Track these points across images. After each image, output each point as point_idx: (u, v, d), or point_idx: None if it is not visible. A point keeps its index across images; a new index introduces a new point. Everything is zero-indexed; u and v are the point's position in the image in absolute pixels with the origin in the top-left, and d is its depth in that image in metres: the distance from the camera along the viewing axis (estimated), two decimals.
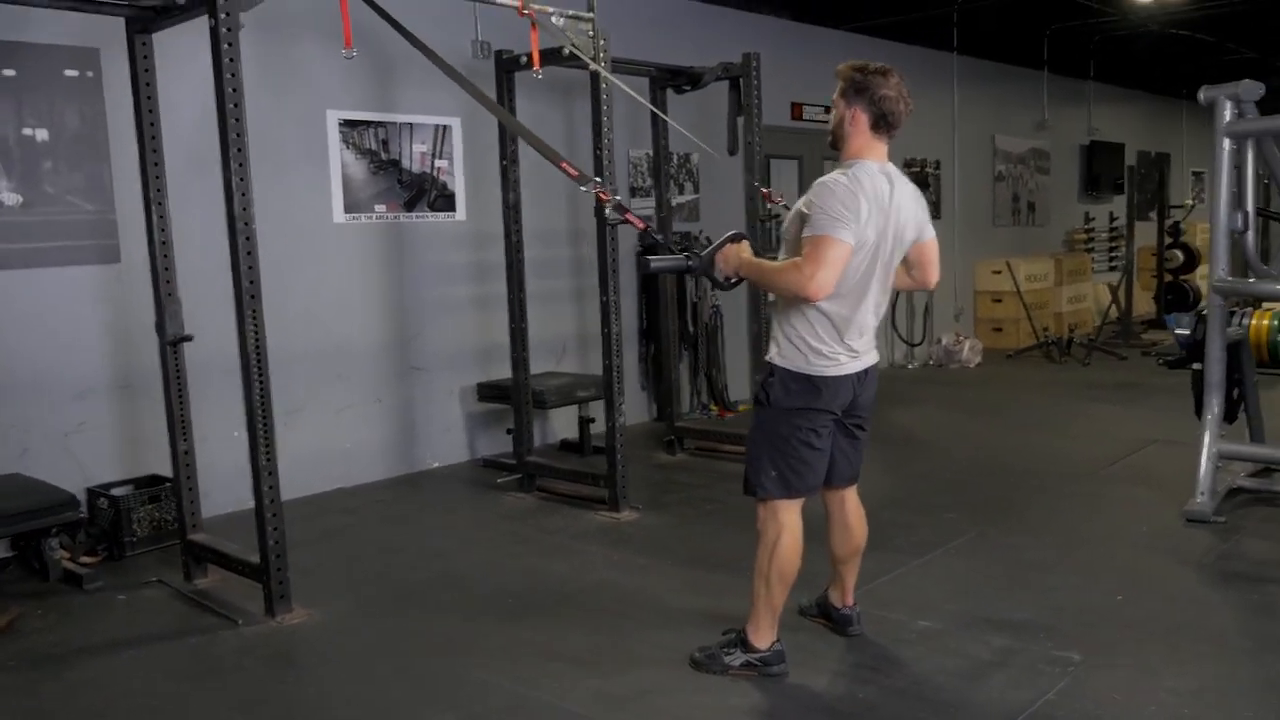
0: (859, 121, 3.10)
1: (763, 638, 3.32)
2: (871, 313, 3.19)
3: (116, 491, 4.87)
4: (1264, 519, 4.87)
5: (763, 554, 3.27)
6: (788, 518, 3.25)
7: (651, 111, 6.25)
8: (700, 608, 3.88)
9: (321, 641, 3.75)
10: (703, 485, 5.75)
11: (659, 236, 3.30)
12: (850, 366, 3.19)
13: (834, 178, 3.04)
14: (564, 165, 3.53)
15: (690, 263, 3.18)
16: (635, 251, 6.79)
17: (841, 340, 3.14)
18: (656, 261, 3.23)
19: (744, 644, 3.33)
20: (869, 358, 3.26)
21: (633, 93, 4.27)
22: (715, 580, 4.19)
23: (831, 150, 3.22)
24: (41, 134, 4.70)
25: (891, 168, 3.15)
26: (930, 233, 3.31)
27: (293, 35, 5.46)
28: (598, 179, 3.64)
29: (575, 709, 3.14)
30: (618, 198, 3.70)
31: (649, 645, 3.58)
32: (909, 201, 3.17)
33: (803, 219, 3.03)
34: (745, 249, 3.19)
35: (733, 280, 3.22)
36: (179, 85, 4.73)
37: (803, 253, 3.01)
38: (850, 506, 3.50)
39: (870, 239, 3.05)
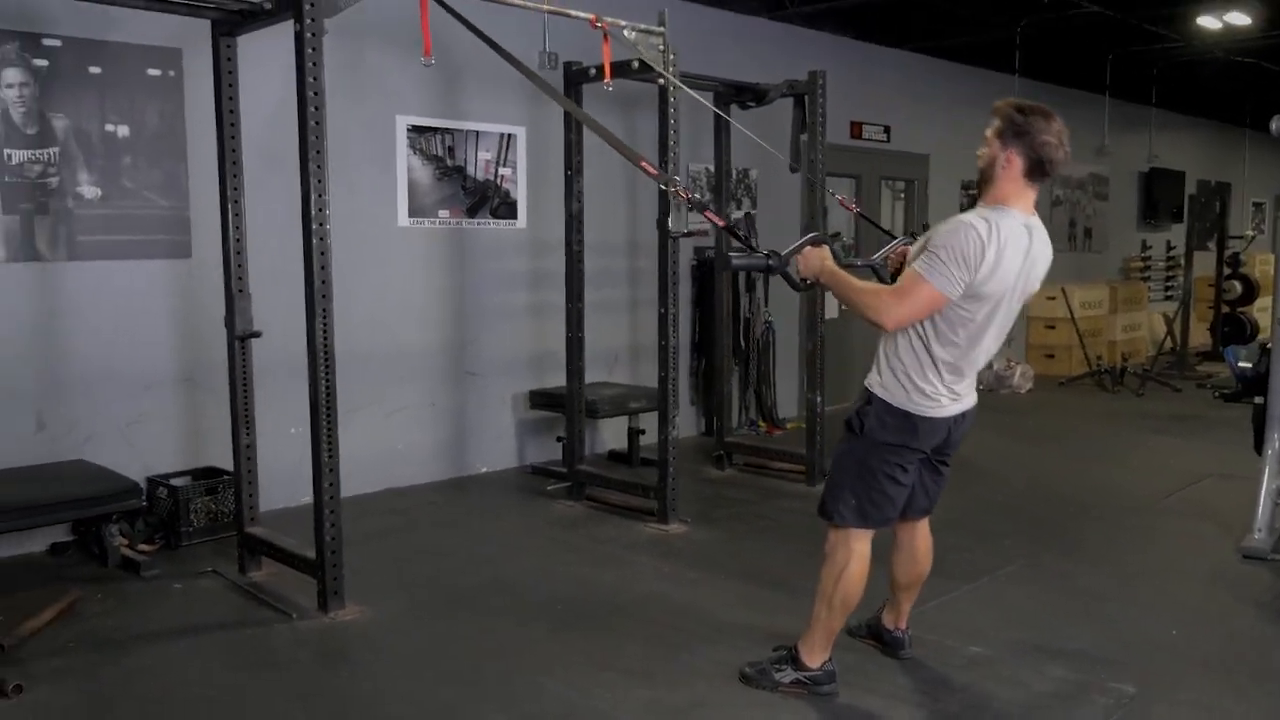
0: (1013, 166, 2.95)
1: (815, 657, 3.32)
2: (983, 358, 3.14)
3: (175, 482, 4.96)
4: None
5: (828, 577, 3.25)
6: (859, 545, 3.23)
7: (714, 125, 6.30)
8: (751, 623, 3.89)
9: (374, 639, 3.80)
10: (752, 501, 5.75)
11: (741, 233, 3.27)
12: (951, 409, 3.13)
13: (972, 221, 2.92)
14: (644, 164, 3.56)
15: (770, 261, 3.16)
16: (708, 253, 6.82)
17: (946, 383, 3.09)
18: (737, 258, 3.25)
19: (795, 661, 3.34)
20: (969, 400, 3.20)
21: (709, 104, 4.29)
22: (766, 596, 4.20)
23: (976, 187, 3.11)
24: (123, 130, 4.82)
25: (1035, 220, 3.03)
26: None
27: (366, 40, 5.56)
28: (677, 178, 3.65)
29: (627, 718, 3.15)
30: (696, 195, 3.73)
31: (700, 658, 3.59)
32: (1043, 255, 3.07)
33: (924, 249, 2.98)
34: (826, 255, 3.16)
35: (809, 282, 3.21)
36: (253, 86, 4.83)
37: (900, 283, 3.01)
38: (921, 537, 3.48)
39: (996, 291, 2.97)
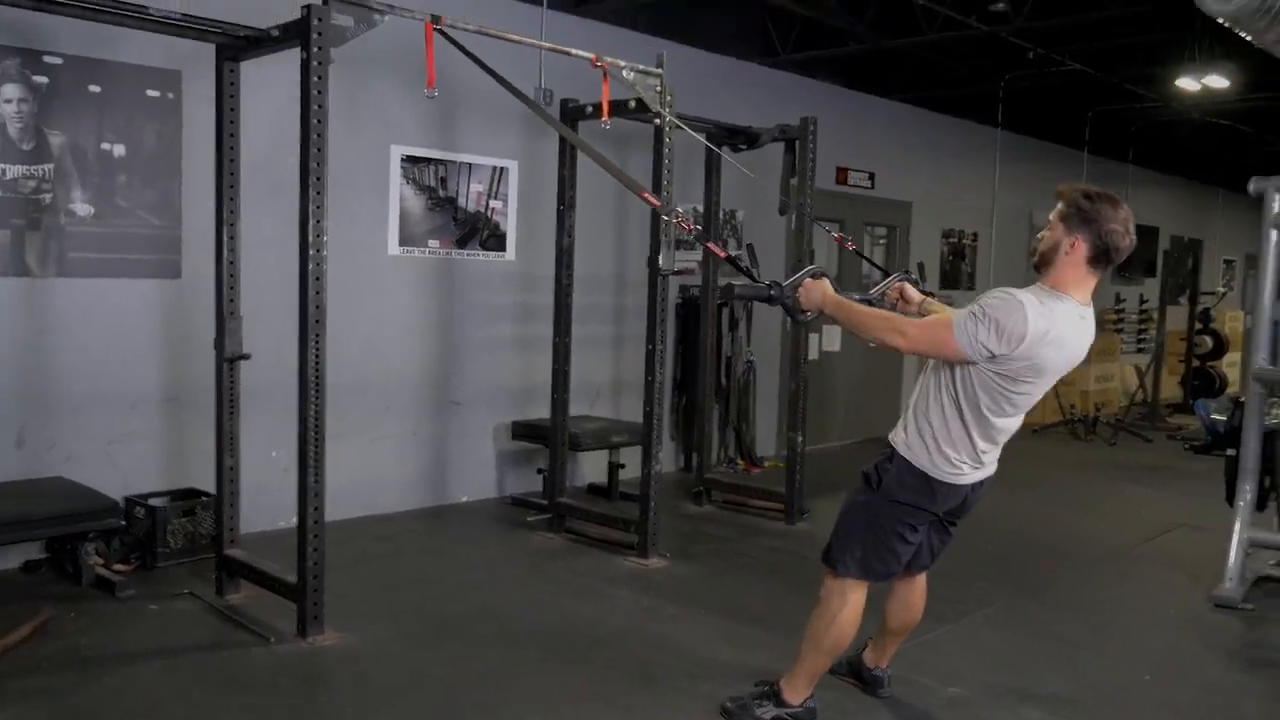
0: (1077, 251, 2.90)
1: (797, 695, 3.35)
2: (1010, 432, 3.15)
3: (154, 502, 4.94)
4: None
5: (820, 622, 3.28)
6: (854, 595, 3.25)
7: (705, 166, 6.39)
8: (731, 658, 3.91)
9: (355, 665, 3.79)
10: (731, 538, 5.78)
11: (744, 264, 3.31)
12: (971, 477, 3.14)
13: (1025, 302, 2.87)
14: (645, 195, 3.61)
15: (773, 292, 3.19)
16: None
17: (974, 451, 3.09)
18: (741, 287, 3.27)
19: (776, 697, 3.36)
20: (990, 469, 3.20)
21: (705, 142, 4.35)
22: (746, 632, 4.22)
23: (1035, 269, 3.03)
24: (119, 149, 4.84)
25: (1089, 310, 3.00)
26: None
27: (364, 70, 5.61)
28: (679, 209, 3.69)
29: None
30: (698, 227, 3.78)
31: (681, 692, 3.61)
32: (1088, 341, 3.04)
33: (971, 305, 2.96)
34: (828, 286, 3.19)
35: (810, 314, 3.24)
36: (248, 110, 4.86)
37: (930, 319, 3.07)
38: (918, 587, 3.52)
39: (1045, 375, 2.97)
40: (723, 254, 3.42)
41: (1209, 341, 11.78)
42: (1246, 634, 4.49)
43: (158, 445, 5.15)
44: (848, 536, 3.24)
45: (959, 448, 3.07)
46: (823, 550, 3.32)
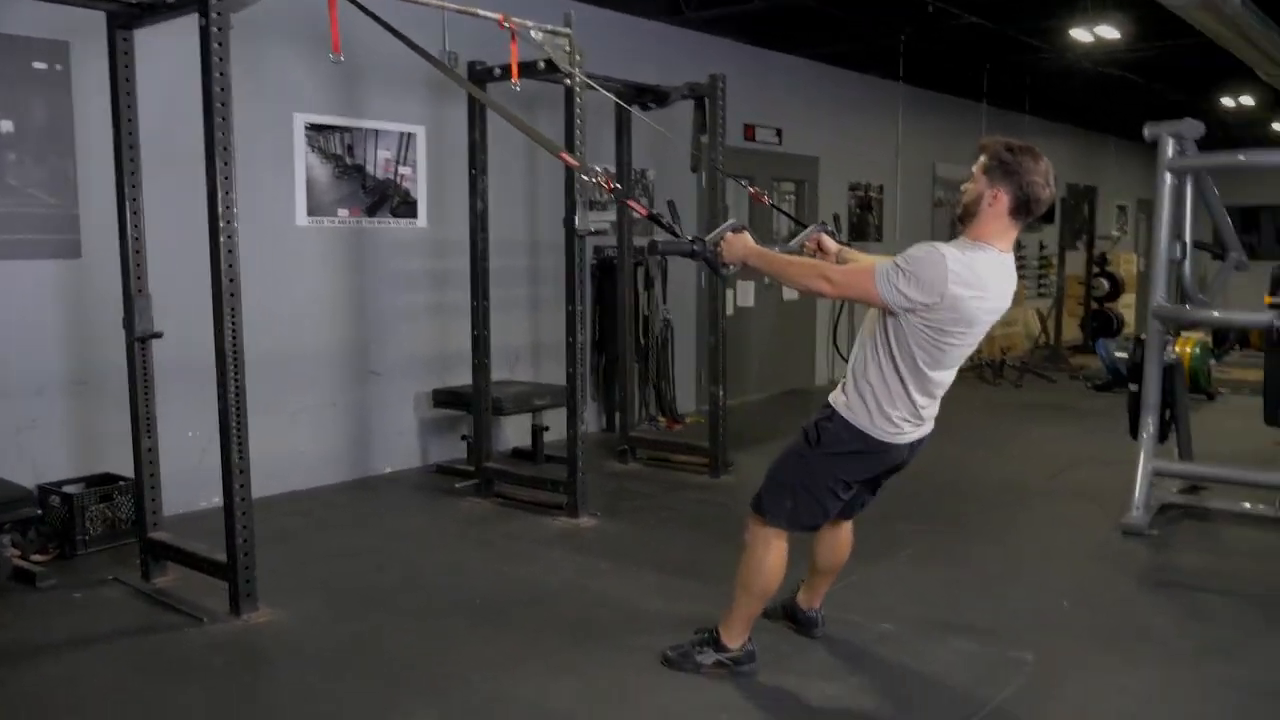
0: (1000, 203, 2.96)
1: (735, 639, 3.42)
2: (946, 385, 3.20)
3: (69, 489, 4.80)
4: (1194, 532, 5.12)
5: (748, 568, 3.34)
6: (779, 541, 3.32)
7: (616, 126, 6.38)
8: (667, 609, 3.97)
9: (292, 640, 3.76)
10: (658, 494, 5.85)
11: (665, 220, 3.31)
12: (911, 435, 3.20)
13: (945, 254, 2.93)
14: (563, 155, 3.60)
15: (695, 247, 3.19)
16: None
17: (914, 407, 3.14)
18: (664, 244, 3.27)
19: (716, 643, 3.43)
20: (928, 426, 3.26)
21: (619, 102, 4.33)
22: (679, 584, 4.29)
23: (959, 221, 3.08)
24: (5, 125, 4.64)
25: (1009, 257, 3.06)
26: None
27: (263, 36, 5.45)
28: (598, 168, 3.68)
29: (556, 705, 3.21)
30: (619, 186, 3.76)
31: (621, 645, 3.66)
32: (1012, 287, 3.10)
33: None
34: (748, 238, 3.21)
35: (733, 268, 3.25)
36: (140, 84, 4.71)
37: (850, 266, 3.12)
38: (844, 532, 3.60)
39: (975, 324, 3.02)
40: (643, 211, 3.40)
41: (1106, 284, 12.21)
42: (1154, 558, 4.71)
43: (68, 431, 5.00)
44: (780, 488, 3.29)
45: (899, 405, 3.13)
46: (753, 498, 3.37)
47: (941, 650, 3.63)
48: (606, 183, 3.53)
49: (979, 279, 2.96)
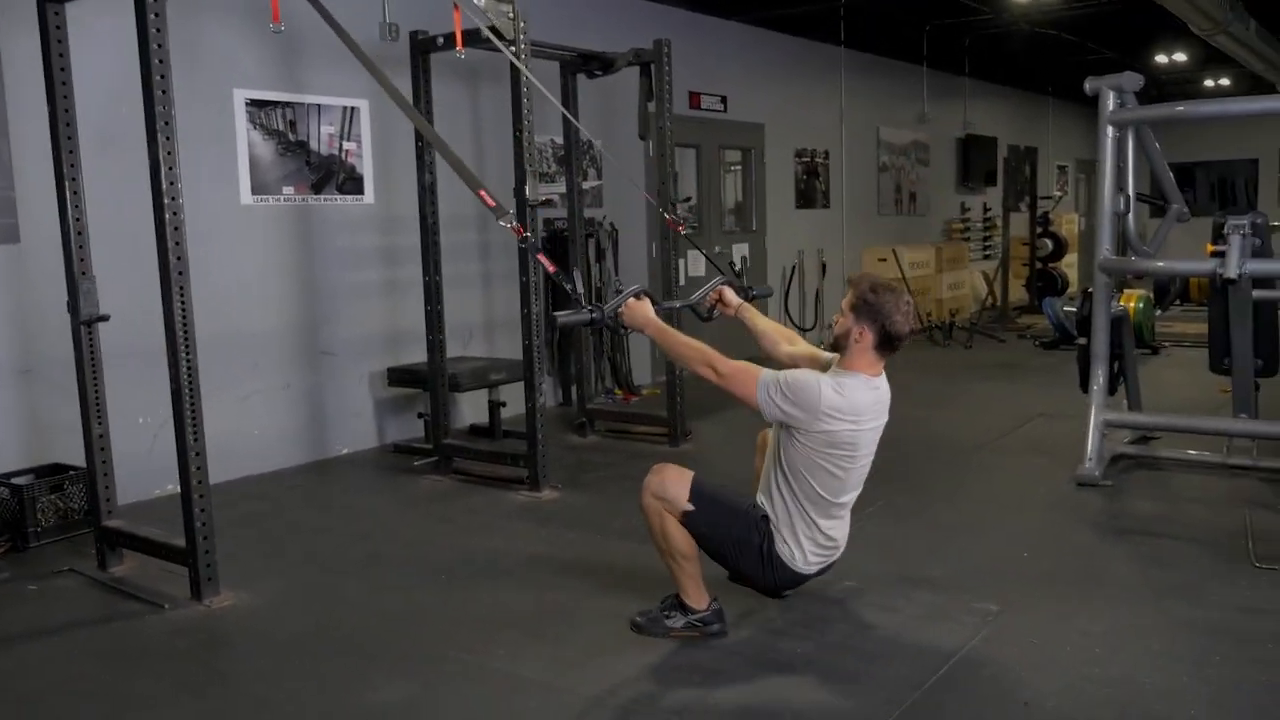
0: (865, 339, 3.23)
1: (698, 600, 3.44)
2: (853, 497, 3.44)
3: (18, 480, 4.69)
4: (1145, 481, 5.23)
5: (658, 537, 3.41)
6: (671, 517, 3.37)
7: (563, 95, 6.32)
8: (634, 576, 3.97)
9: (257, 621, 3.71)
10: (618, 464, 5.84)
11: (568, 285, 3.44)
12: (816, 566, 3.43)
13: (825, 381, 3.22)
14: (482, 194, 3.63)
15: (594, 315, 3.35)
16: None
17: (823, 536, 3.37)
18: (564, 316, 3.38)
19: (683, 607, 3.45)
20: (836, 554, 3.49)
21: (564, 71, 4.24)
22: (645, 551, 4.22)
23: (832, 348, 3.43)
24: None
25: (881, 380, 3.33)
26: None
27: (199, 11, 5.34)
28: (511, 212, 3.76)
29: (529, 674, 3.20)
30: (529, 236, 3.85)
31: (591, 613, 3.66)
32: (885, 406, 3.36)
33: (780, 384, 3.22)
34: (648, 308, 3.39)
35: (630, 332, 3.45)
36: (78, 63, 4.59)
37: (738, 364, 3.30)
38: None
39: (859, 446, 3.29)
40: (551, 268, 3.55)
41: (1049, 244, 12.37)
42: (1108, 507, 4.80)
43: (14, 421, 4.88)
44: (719, 523, 3.37)
45: (809, 534, 3.35)
46: (697, 485, 3.36)
47: (907, 604, 3.68)
48: (518, 230, 3.63)
49: (852, 406, 3.22)
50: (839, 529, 3.43)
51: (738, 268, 3.89)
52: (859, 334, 3.24)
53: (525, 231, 3.69)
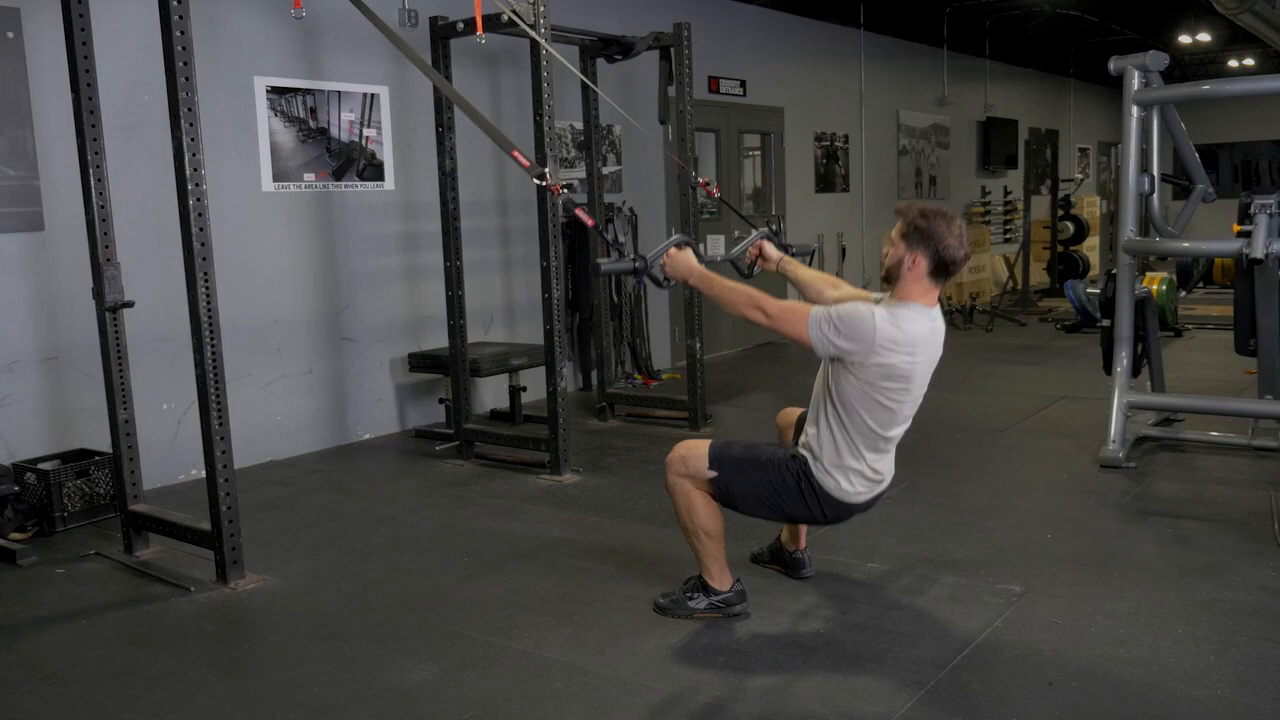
0: (919, 267, 3.11)
1: (720, 581, 3.44)
2: (901, 432, 3.32)
3: (45, 466, 4.74)
4: (1169, 463, 5.19)
5: (683, 516, 3.39)
6: (699, 492, 3.35)
7: (581, 81, 6.31)
8: (656, 559, 3.99)
9: (282, 604, 3.74)
10: (639, 448, 5.85)
11: (608, 235, 3.39)
12: (864, 497, 3.32)
13: (879, 312, 3.08)
14: (516, 155, 3.60)
15: (637, 265, 3.31)
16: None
17: (870, 469, 3.27)
18: (608, 264, 3.36)
19: (705, 588, 3.45)
20: (884, 486, 3.38)
21: (573, 59, 4.25)
22: (666, 534, 4.29)
23: (884, 282, 3.26)
24: None
25: (936, 310, 3.21)
26: None
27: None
28: (546, 170, 3.73)
29: (552, 655, 3.21)
30: (567, 191, 3.81)
31: (613, 595, 3.67)
32: (940, 338, 3.24)
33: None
34: (691, 257, 3.34)
35: (674, 283, 3.38)
36: (100, 50, 4.62)
37: (787, 303, 3.20)
38: None
39: (914, 379, 3.16)
40: (590, 222, 3.50)
41: (1070, 227, 12.29)
42: (1132, 489, 4.77)
43: (41, 407, 4.92)
44: (746, 476, 3.31)
45: (855, 467, 3.25)
46: (715, 449, 3.34)
47: (931, 586, 3.67)
48: (555, 188, 3.60)
49: (908, 338, 3.09)
50: (884, 462, 3.32)
51: (775, 227, 3.80)
52: (911, 261, 3.10)
53: (562, 188, 3.65)
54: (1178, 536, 4.14)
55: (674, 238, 3.39)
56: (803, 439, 3.36)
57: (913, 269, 3.12)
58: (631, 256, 3.34)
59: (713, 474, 3.32)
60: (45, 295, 4.88)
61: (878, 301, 3.20)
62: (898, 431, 3.29)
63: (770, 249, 3.74)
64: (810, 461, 3.28)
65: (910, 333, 3.10)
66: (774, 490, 3.30)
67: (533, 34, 4.67)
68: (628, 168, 7.91)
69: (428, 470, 5.54)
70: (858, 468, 3.25)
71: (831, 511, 3.33)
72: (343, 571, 4.06)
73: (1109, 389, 5.33)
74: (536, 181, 3.63)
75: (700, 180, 3.94)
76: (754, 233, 3.79)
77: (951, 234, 3.09)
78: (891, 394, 3.15)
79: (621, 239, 3.42)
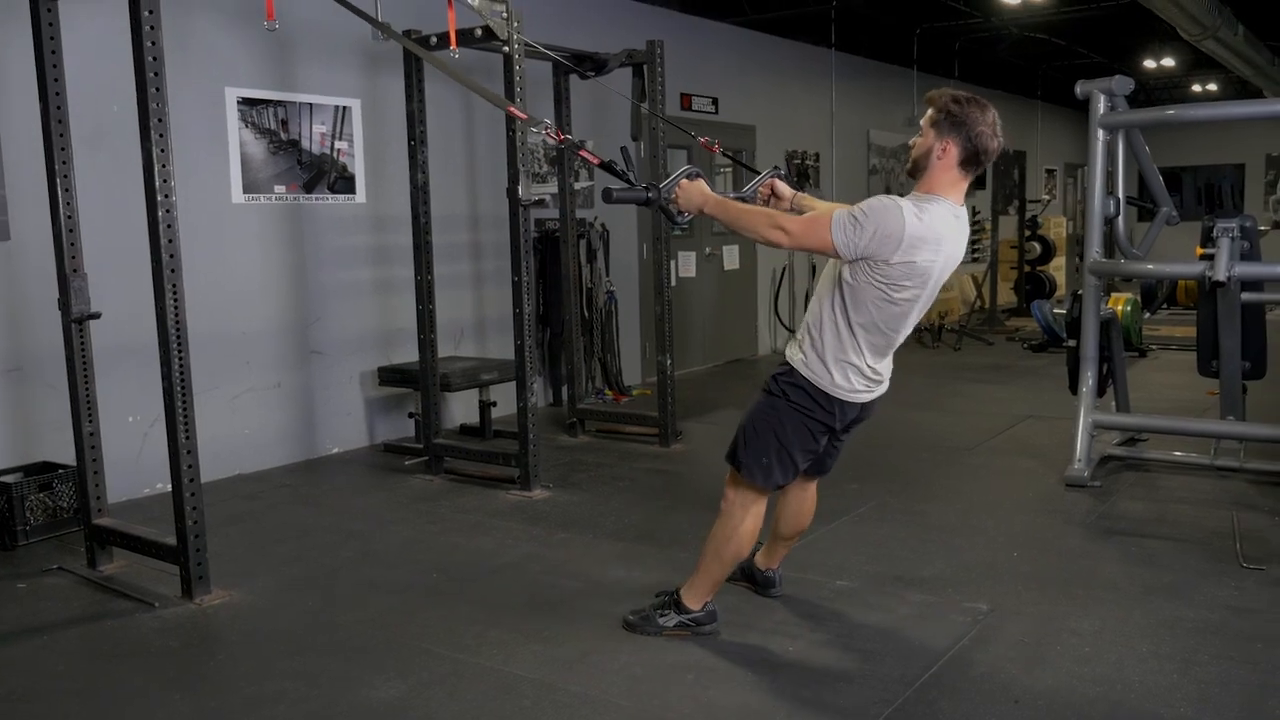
0: (949, 155, 2.95)
1: (697, 601, 3.43)
2: (905, 336, 3.20)
3: (6, 479, 4.67)
4: (1134, 483, 5.25)
5: (723, 533, 3.32)
6: (756, 508, 3.30)
7: (555, 95, 6.33)
8: (626, 576, 3.99)
9: (249, 620, 3.70)
10: (610, 464, 5.85)
11: (618, 167, 3.27)
12: (865, 395, 3.21)
13: (903, 206, 2.92)
14: (511, 109, 3.55)
15: (650, 194, 3.16)
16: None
17: (869, 362, 3.14)
18: (619, 191, 3.19)
19: (677, 605, 3.44)
20: (883, 386, 3.27)
21: (561, 67, 4.25)
22: (636, 550, 4.30)
23: (908, 177, 3.11)
24: None
25: (962, 209, 3.05)
26: None
27: (190, 8, 5.33)
28: (547, 120, 3.62)
29: (521, 672, 3.20)
30: (570, 138, 3.72)
31: (582, 611, 3.66)
32: (965, 241, 3.09)
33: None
34: (704, 185, 3.18)
35: (688, 216, 3.22)
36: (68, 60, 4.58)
37: (805, 216, 3.10)
38: (810, 494, 3.60)
39: (928, 277, 3.01)
40: (596, 160, 3.34)
41: (1038, 247, 12.44)
42: (1097, 508, 4.82)
43: (2, 419, 4.85)
44: (759, 445, 3.24)
45: (855, 365, 3.13)
46: (728, 455, 3.31)
47: (899, 604, 3.69)
48: (556, 134, 3.49)
49: (934, 233, 2.95)
50: (884, 364, 3.20)
51: (783, 170, 3.68)
52: (941, 150, 2.94)
53: (565, 135, 3.56)
54: (1142, 555, 4.19)
55: (685, 168, 3.23)
56: (799, 335, 3.22)
57: (943, 158, 2.96)
58: (644, 185, 3.18)
59: (739, 474, 3.26)
60: (9, 305, 4.82)
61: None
62: (902, 334, 3.17)
63: (782, 186, 3.56)
64: (802, 359, 3.17)
65: (937, 228, 2.95)
66: (783, 424, 3.19)
67: (510, 43, 4.67)
68: (600, 184, 7.92)
69: (397, 485, 5.51)
70: (857, 364, 3.12)
71: (835, 415, 3.20)
72: (309, 587, 4.03)
73: (1075, 408, 5.39)
74: (534, 130, 3.51)
75: (702, 140, 3.86)
76: (766, 171, 3.62)
77: (985, 121, 2.94)
78: (906, 292, 3.00)
79: (634, 173, 3.25)
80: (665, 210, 3.20)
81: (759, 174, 3.59)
